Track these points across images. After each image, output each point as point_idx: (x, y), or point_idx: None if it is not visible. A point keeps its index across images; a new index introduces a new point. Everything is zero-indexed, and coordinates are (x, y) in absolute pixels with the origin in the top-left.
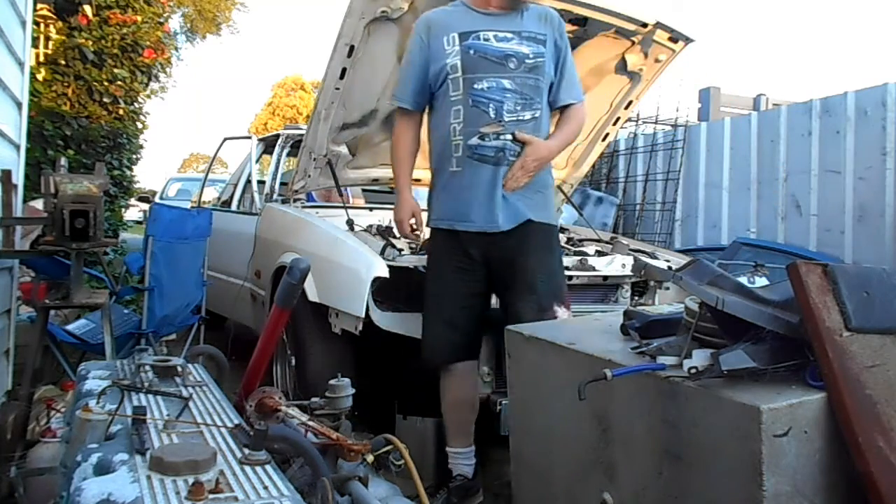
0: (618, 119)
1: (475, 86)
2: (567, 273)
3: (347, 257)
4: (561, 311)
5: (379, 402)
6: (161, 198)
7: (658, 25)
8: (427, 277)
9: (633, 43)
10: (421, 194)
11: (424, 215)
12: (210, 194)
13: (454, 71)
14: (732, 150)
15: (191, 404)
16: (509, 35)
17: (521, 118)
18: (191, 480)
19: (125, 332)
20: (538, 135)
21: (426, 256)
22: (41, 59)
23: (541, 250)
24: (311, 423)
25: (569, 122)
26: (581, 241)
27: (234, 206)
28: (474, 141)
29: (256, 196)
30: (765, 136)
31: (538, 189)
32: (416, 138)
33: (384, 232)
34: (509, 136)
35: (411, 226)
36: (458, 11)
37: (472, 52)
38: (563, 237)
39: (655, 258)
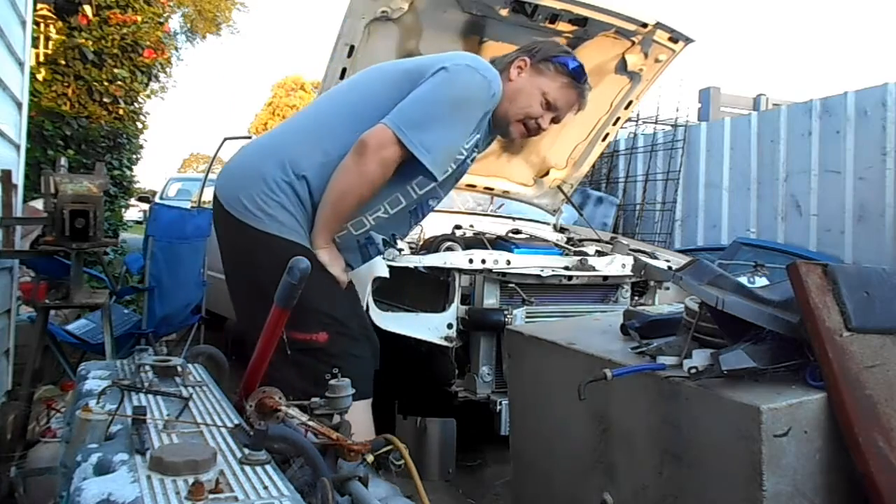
0: (618, 119)
1: None
2: (567, 273)
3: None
4: None
5: (379, 402)
6: (161, 198)
7: (658, 25)
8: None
9: (633, 43)
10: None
11: None
12: (210, 194)
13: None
14: (732, 150)
15: (191, 404)
16: None
17: None
18: (191, 480)
19: (125, 332)
20: None
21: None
22: (41, 59)
23: None
24: (311, 423)
25: None
26: (581, 241)
27: None
28: None
29: None
30: (765, 136)
31: None
32: None
33: None
34: None
35: None
36: None
37: None
38: (563, 237)
39: (655, 258)
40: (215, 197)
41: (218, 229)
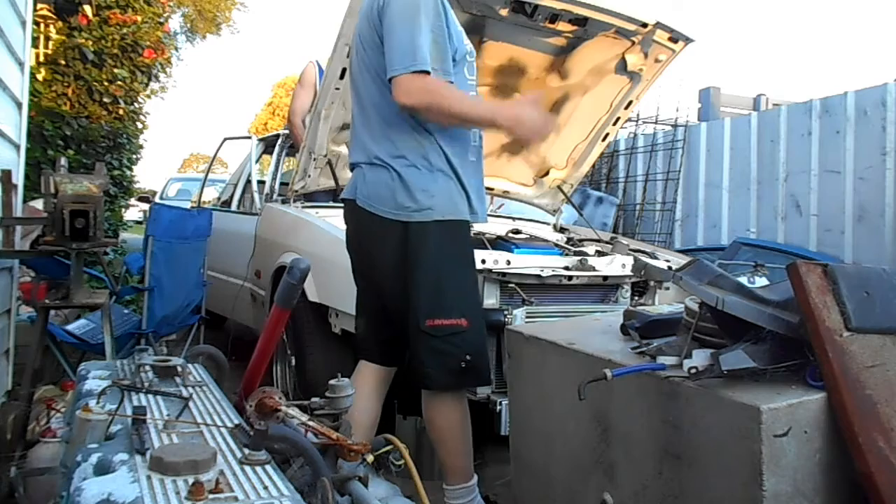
0: (618, 119)
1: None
2: (567, 273)
3: (348, 257)
4: None
5: None
6: (161, 198)
7: (658, 25)
8: (466, 272)
9: (633, 43)
10: None
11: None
12: (210, 194)
13: (472, 55)
14: (732, 150)
15: (191, 404)
16: None
17: None
18: (191, 480)
19: (125, 332)
20: None
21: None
22: (41, 59)
23: None
24: (311, 423)
25: None
26: (581, 241)
27: (234, 206)
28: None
29: (256, 196)
30: (765, 136)
31: None
32: None
33: None
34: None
35: None
36: None
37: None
38: (563, 237)
39: (655, 258)
40: None
41: None
